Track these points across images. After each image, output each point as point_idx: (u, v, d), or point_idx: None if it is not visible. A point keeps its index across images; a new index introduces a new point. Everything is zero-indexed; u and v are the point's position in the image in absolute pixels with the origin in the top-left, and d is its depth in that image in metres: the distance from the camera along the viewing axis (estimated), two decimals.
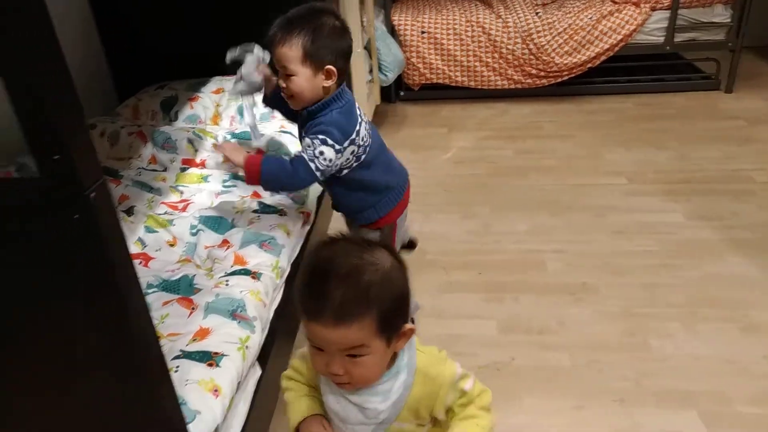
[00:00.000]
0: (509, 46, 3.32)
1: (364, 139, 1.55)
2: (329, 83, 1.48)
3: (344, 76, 1.53)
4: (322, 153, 1.45)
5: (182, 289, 1.40)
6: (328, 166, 1.47)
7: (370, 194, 1.66)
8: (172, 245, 1.62)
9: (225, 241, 1.60)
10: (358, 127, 1.52)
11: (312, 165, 1.46)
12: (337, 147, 1.47)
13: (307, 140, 1.48)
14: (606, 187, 2.52)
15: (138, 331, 0.72)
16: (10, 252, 0.69)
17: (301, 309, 0.86)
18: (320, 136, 1.46)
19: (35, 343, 0.76)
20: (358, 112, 1.56)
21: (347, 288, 0.83)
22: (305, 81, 1.46)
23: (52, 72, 0.58)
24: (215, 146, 1.52)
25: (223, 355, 1.17)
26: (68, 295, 0.72)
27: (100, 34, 2.53)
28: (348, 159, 1.53)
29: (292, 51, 1.44)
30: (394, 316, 0.87)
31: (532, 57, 3.32)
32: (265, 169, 1.48)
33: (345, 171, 1.57)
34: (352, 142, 1.50)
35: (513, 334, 1.80)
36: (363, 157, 1.57)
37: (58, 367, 0.78)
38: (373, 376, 0.90)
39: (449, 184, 2.67)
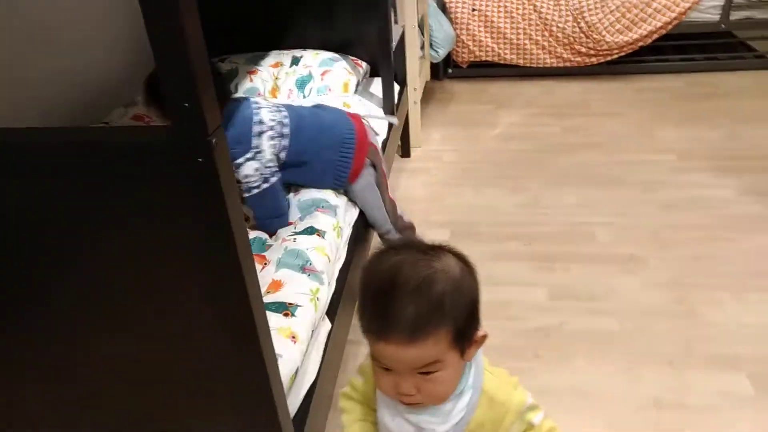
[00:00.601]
0: (559, 24, 3.33)
1: (272, 120, 1.56)
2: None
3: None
4: (246, 176, 1.51)
5: (255, 247, 1.51)
6: (262, 173, 1.52)
7: (321, 162, 1.66)
8: (246, 219, 1.72)
9: None
10: (253, 119, 1.53)
11: (255, 192, 1.52)
12: (249, 155, 1.50)
13: None
14: (655, 164, 2.54)
15: (244, 264, 0.82)
16: (138, 190, 0.78)
17: (367, 329, 0.79)
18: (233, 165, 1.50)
19: (153, 271, 0.86)
20: (253, 106, 1.56)
21: (420, 301, 0.75)
22: None
23: (188, 22, 0.66)
24: None
25: (297, 305, 1.27)
26: (187, 232, 0.81)
27: None
28: (273, 145, 1.55)
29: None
30: (468, 325, 0.81)
31: (582, 35, 3.32)
32: (261, 225, 1.58)
33: (283, 154, 1.58)
34: (261, 134, 1.52)
35: (562, 301, 1.86)
36: (287, 129, 1.58)
37: (169, 297, 0.88)
38: (448, 392, 0.84)
39: (498, 159, 2.73)
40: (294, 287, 1.33)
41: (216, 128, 0.74)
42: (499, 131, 2.98)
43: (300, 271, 1.38)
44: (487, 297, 1.93)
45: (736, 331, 1.67)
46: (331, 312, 1.40)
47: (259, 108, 1.57)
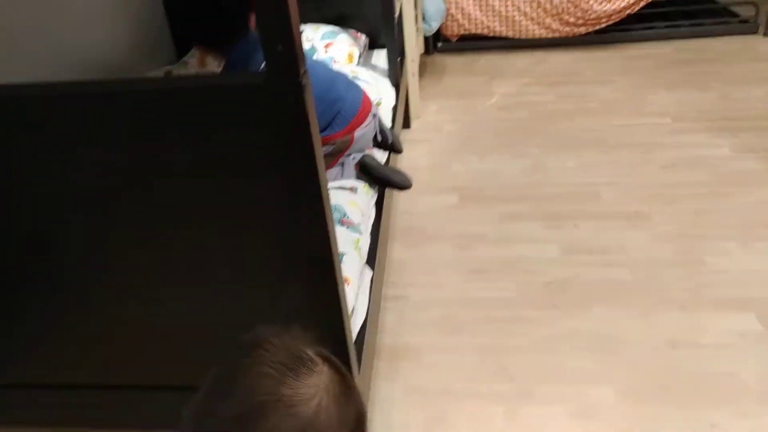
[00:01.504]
0: None
1: None
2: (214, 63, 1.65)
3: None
4: None
5: None
6: None
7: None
8: None
9: None
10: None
11: None
12: None
13: None
14: (651, 126, 2.63)
15: (323, 192, 0.86)
16: (236, 129, 0.83)
17: None
18: None
19: (246, 213, 0.90)
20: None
21: None
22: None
23: None
24: None
25: (343, 253, 1.33)
26: (276, 163, 0.85)
27: None
28: None
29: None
30: None
31: (570, 5, 3.38)
32: None
33: None
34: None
35: (575, 255, 1.94)
36: None
37: (252, 224, 0.92)
38: None
39: (497, 127, 2.79)
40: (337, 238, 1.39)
41: (304, 71, 0.79)
42: (495, 100, 3.04)
43: (339, 224, 1.44)
44: (502, 254, 2.02)
45: (743, 276, 1.76)
46: (371, 260, 1.46)
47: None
